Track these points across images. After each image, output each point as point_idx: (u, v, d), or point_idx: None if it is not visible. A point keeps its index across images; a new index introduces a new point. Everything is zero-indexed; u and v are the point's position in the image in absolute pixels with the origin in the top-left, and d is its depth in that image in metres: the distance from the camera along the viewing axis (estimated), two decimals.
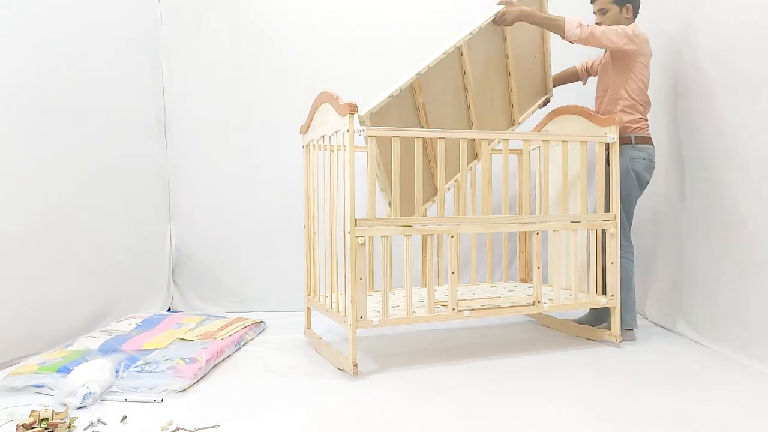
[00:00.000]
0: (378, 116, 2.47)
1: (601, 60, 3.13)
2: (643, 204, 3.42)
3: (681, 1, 2.98)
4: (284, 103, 3.72)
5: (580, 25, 2.77)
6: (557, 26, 2.80)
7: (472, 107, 2.91)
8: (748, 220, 2.50)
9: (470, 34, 2.71)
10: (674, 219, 3.12)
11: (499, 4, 2.85)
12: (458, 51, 2.73)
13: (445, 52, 2.63)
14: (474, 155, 3.08)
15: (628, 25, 2.85)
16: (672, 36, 3.07)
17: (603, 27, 2.80)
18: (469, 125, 2.97)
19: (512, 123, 3.16)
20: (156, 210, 3.64)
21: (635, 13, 2.94)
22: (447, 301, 2.56)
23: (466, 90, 2.87)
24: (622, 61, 2.86)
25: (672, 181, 3.12)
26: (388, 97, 2.47)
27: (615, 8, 2.90)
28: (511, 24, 2.83)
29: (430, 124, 2.64)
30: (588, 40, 2.78)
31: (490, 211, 2.65)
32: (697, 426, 1.82)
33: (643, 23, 3.02)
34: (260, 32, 3.75)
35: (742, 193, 2.55)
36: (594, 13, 2.98)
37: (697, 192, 2.89)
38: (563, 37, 2.83)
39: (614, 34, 2.77)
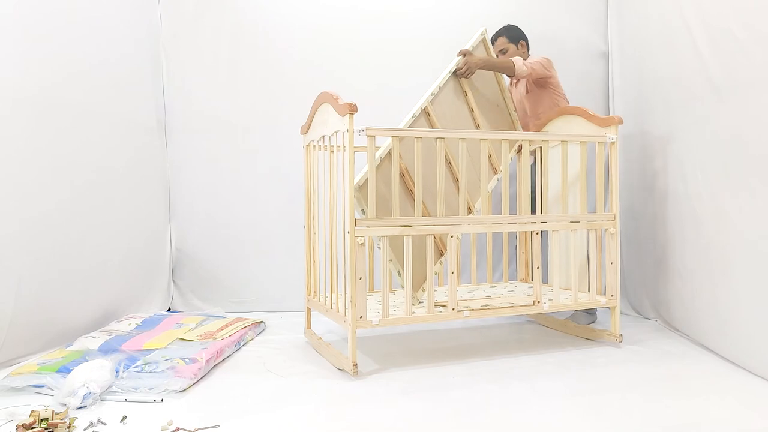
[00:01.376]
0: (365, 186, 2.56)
1: (512, 93, 3.44)
2: (644, 203, 3.42)
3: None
4: (284, 104, 3.72)
5: (524, 63, 3.12)
6: (509, 68, 3.10)
7: (453, 163, 2.97)
8: (739, 219, 2.50)
9: (432, 94, 2.87)
10: (673, 218, 3.12)
11: (459, 54, 3.02)
12: (425, 113, 2.85)
13: (413, 116, 2.76)
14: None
15: (526, 58, 3.27)
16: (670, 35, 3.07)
17: (528, 60, 3.16)
18: (455, 181, 2.99)
19: (495, 172, 3.18)
20: (156, 210, 3.64)
21: (528, 47, 3.37)
22: (447, 302, 2.57)
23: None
24: (546, 86, 3.26)
25: (661, 180, 3.12)
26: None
27: (512, 46, 3.33)
28: (473, 73, 3.04)
29: (416, 184, 2.51)
30: (530, 74, 3.16)
31: (490, 211, 2.65)
32: (699, 427, 1.82)
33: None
34: (260, 32, 3.74)
35: (727, 193, 2.54)
36: (496, 54, 3.32)
37: (686, 190, 2.89)
38: (512, 76, 3.13)
39: (538, 65, 3.16)
